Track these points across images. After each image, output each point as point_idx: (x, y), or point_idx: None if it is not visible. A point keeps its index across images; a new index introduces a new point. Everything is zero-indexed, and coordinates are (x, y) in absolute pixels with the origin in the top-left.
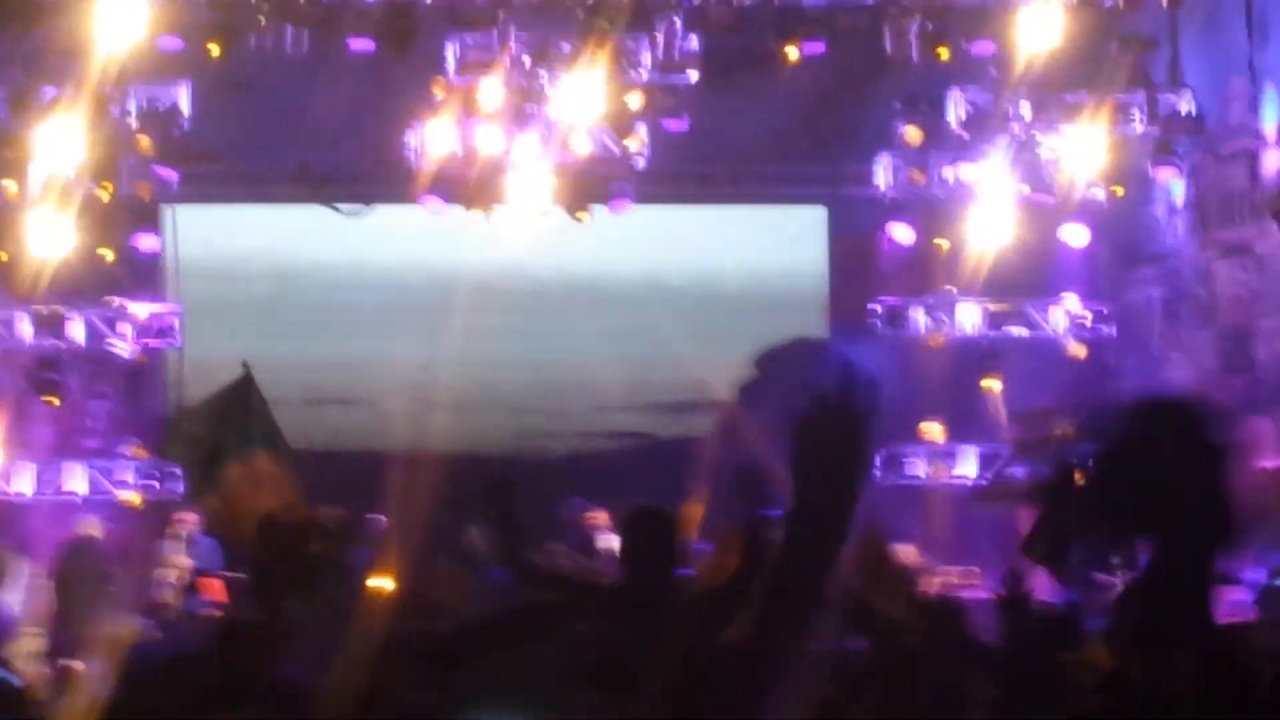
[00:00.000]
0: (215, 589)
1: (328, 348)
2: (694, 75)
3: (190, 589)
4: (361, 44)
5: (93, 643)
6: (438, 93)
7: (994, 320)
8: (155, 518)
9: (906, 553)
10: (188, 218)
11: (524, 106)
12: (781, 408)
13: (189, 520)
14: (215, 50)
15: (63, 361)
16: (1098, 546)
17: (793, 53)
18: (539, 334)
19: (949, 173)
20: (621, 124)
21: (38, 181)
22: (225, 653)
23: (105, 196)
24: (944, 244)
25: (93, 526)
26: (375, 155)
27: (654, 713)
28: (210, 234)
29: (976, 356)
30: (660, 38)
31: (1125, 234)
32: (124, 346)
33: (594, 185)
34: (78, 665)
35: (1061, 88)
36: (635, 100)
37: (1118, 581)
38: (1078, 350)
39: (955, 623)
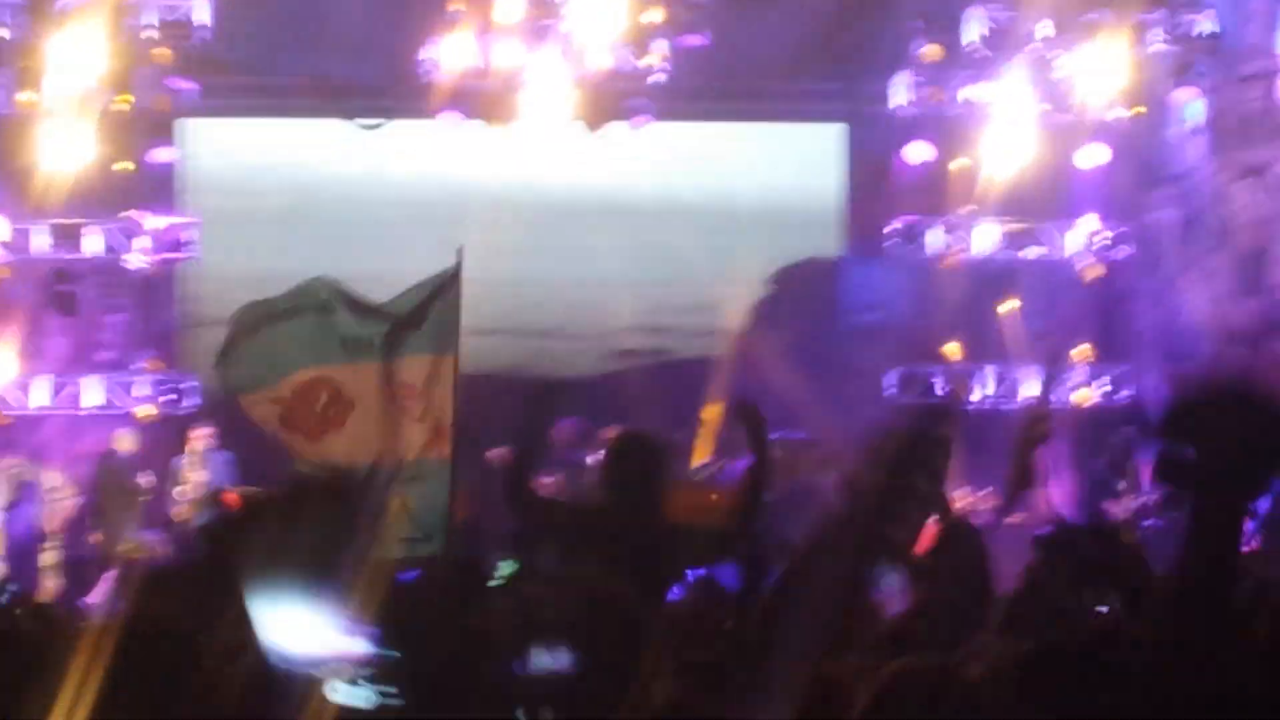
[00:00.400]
0: (233, 504)
1: (343, 263)
2: None
3: (207, 504)
4: None
5: (115, 557)
6: (456, 6)
7: (1011, 241)
8: (169, 431)
9: None
10: (204, 130)
11: (542, 21)
12: (794, 326)
13: (204, 435)
14: None
15: (78, 274)
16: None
17: None
18: (555, 251)
19: (968, 92)
20: (640, 39)
21: (54, 93)
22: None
23: (123, 108)
24: (962, 163)
25: (126, 440)
26: (393, 69)
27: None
28: (227, 147)
29: (993, 277)
30: None
31: (1144, 155)
32: (139, 259)
33: (612, 101)
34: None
35: (1082, 6)
36: (654, 15)
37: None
38: (1095, 271)
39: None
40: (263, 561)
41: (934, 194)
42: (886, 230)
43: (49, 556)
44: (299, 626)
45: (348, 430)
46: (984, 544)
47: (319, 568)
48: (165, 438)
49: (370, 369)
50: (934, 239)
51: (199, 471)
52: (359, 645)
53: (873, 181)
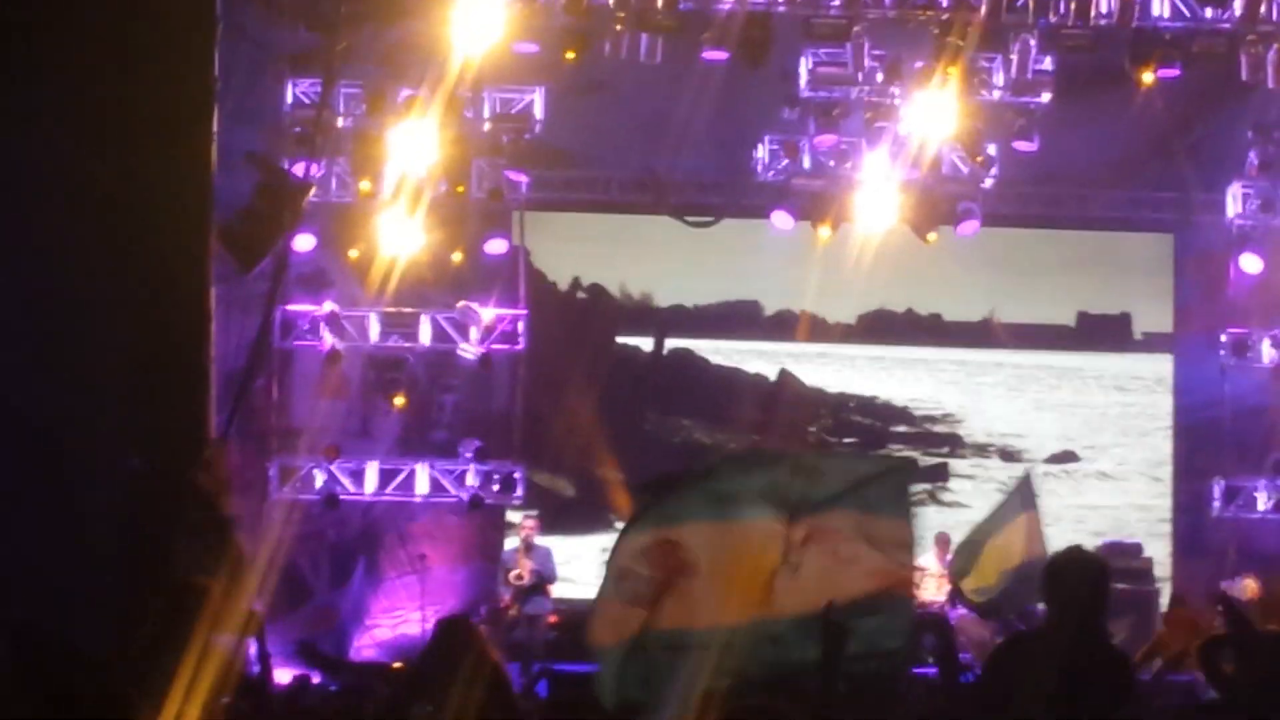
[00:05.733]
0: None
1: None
2: (1046, 96)
3: (531, 592)
4: (715, 54)
5: None
6: (788, 106)
7: None
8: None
9: (1248, 586)
10: (536, 222)
11: (875, 123)
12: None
13: (529, 525)
14: (571, 55)
15: (408, 362)
16: None
17: (1148, 76)
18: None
19: None
20: (971, 143)
21: (391, 182)
22: None
23: (456, 198)
24: None
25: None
26: (723, 166)
27: None
28: (557, 238)
29: None
30: (1014, 57)
31: None
32: (469, 349)
33: (942, 204)
34: None
35: None
36: (985, 120)
37: None
38: None
39: None
40: None
41: (1265, 304)
42: (1217, 339)
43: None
44: None
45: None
46: None
47: None
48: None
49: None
50: (1264, 349)
51: (525, 559)
52: None
53: (1201, 289)
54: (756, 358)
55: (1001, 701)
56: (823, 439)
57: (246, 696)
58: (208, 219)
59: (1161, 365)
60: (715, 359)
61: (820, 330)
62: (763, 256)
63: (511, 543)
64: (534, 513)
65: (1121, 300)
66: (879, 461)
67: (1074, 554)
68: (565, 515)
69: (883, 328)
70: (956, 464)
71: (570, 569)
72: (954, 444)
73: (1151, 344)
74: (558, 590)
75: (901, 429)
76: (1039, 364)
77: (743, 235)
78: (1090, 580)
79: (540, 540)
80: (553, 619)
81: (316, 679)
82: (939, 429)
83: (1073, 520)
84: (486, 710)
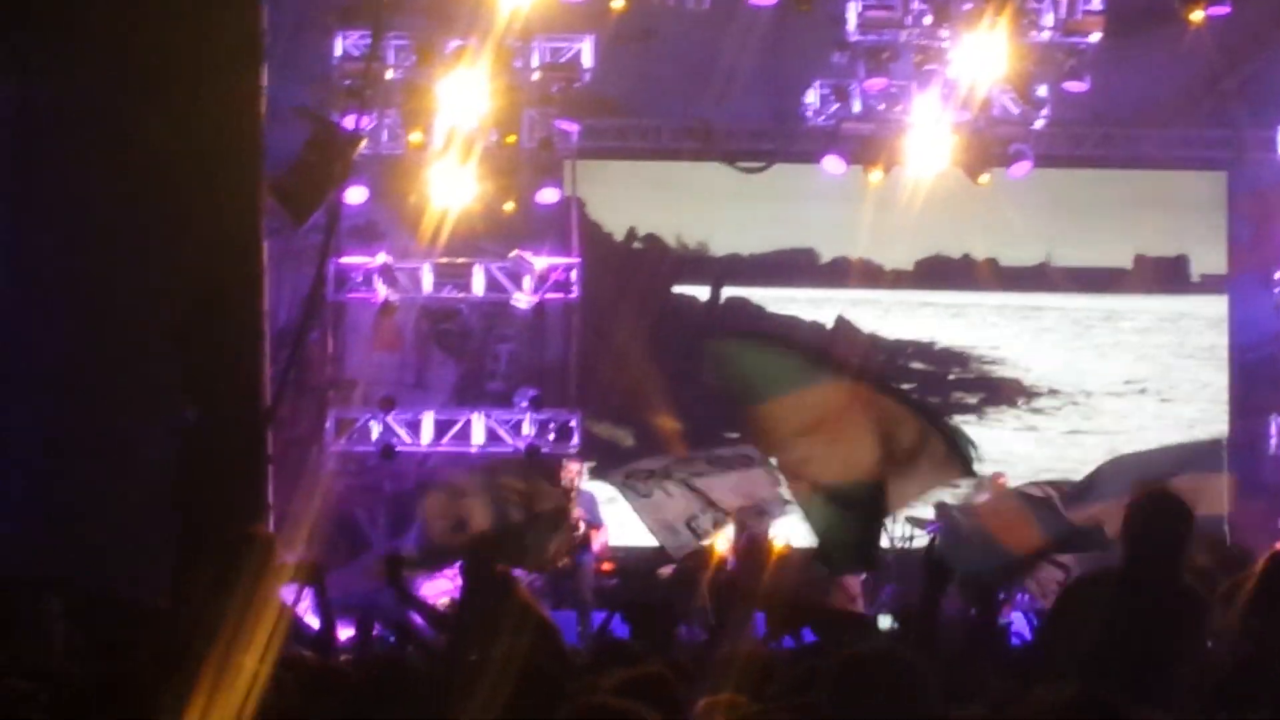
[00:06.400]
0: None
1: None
2: (1096, 36)
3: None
4: None
5: None
6: (839, 49)
7: None
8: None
9: None
10: (588, 170)
11: (927, 66)
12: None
13: (574, 469)
14: (619, 3)
15: (462, 312)
16: None
17: (1197, 14)
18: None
19: None
20: (1021, 84)
21: (441, 133)
22: None
23: (509, 148)
24: None
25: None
26: (773, 112)
27: None
28: (610, 186)
29: None
30: None
31: None
32: (522, 298)
33: (993, 146)
34: None
35: None
36: (1037, 60)
37: None
38: None
39: None
40: None
41: None
42: (1272, 277)
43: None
44: None
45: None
46: None
47: None
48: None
49: None
50: None
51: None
52: None
53: (1255, 228)
54: (813, 305)
55: (1069, 643)
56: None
57: (309, 647)
58: (259, 173)
59: (1219, 306)
60: (772, 307)
61: (876, 276)
62: (816, 203)
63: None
64: (576, 458)
65: (1178, 242)
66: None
67: (1155, 495)
68: (624, 465)
69: (939, 273)
70: (1013, 410)
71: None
72: (1013, 389)
73: (1208, 285)
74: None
75: (959, 374)
76: (1096, 307)
77: (795, 181)
78: (1170, 522)
79: (585, 485)
80: (607, 566)
81: (378, 630)
82: (997, 373)
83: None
84: (534, 658)
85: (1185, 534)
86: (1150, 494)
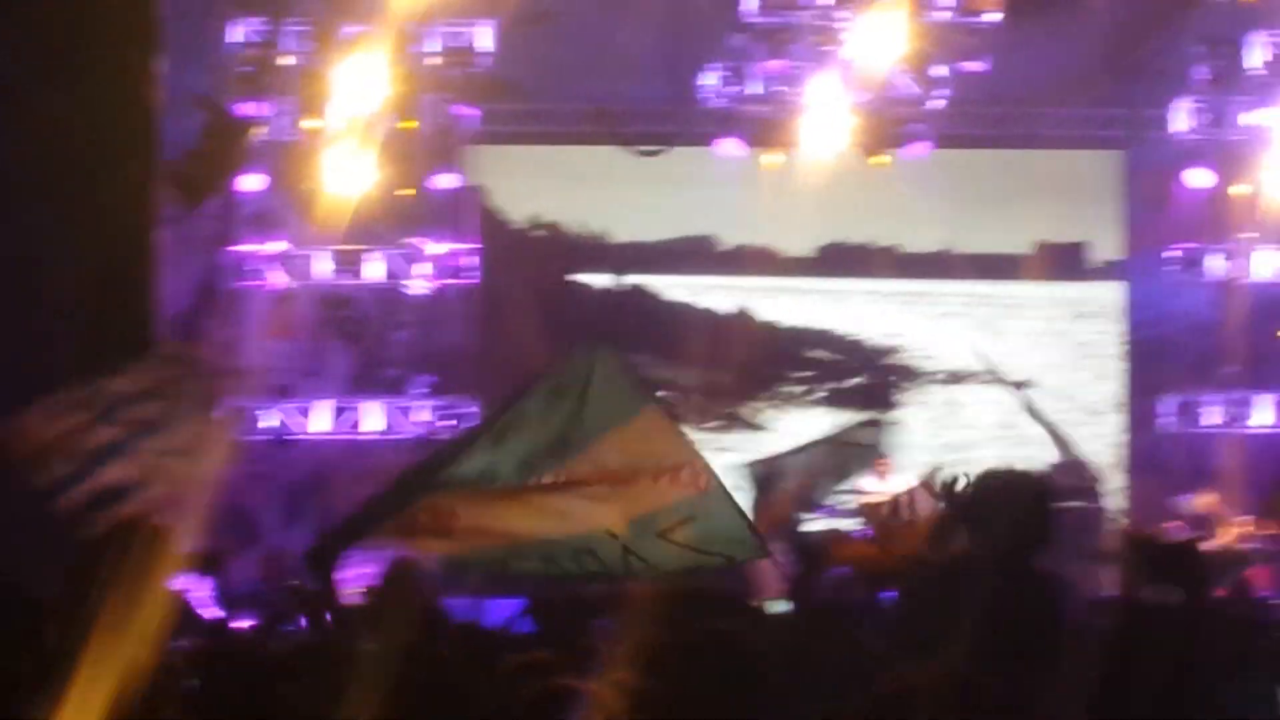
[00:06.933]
0: None
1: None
2: (994, 16)
3: None
4: None
5: None
6: (737, 32)
7: None
8: None
9: (1207, 501)
10: (487, 155)
11: (823, 47)
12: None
13: None
14: None
15: (359, 300)
16: None
17: None
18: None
19: (1249, 117)
20: (920, 65)
21: (338, 120)
22: None
23: (406, 134)
24: (1243, 189)
25: None
26: (672, 94)
27: None
28: (508, 172)
29: (1273, 303)
30: None
31: None
32: (420, 285)
33: (891, 128)
34: None
35: None
36: (934, 41)
37: None
38: None
39: None
40: None
41: (1214, 220)
42: (1166, 256)
43: None
44: None
45: None
46: None
47: None
48: None
49: None
50: (1214, 265)
51: None
52: None
53: (1152, 206)
54: (714, 292)
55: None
56: (778, 374)
57: (206, 637)
58: (154, 159)
59: (1118, 292)
60: (671, 294)
61: (778, 263)
62: (716, 188)
63: None
64: None
65: (1077, 228)
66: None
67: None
68: None
69: (840, 259)
70: (913, 396)
71: None
72: (912, 375)
73: (1107, 272)
74: None
75: (859, 361)
76: (997, 294)
77: (696, 166)
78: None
79: None
80: None
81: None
82: (897, 360)
83: (1014, 441)
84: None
85: (1036, 514)
86: (996, 475)
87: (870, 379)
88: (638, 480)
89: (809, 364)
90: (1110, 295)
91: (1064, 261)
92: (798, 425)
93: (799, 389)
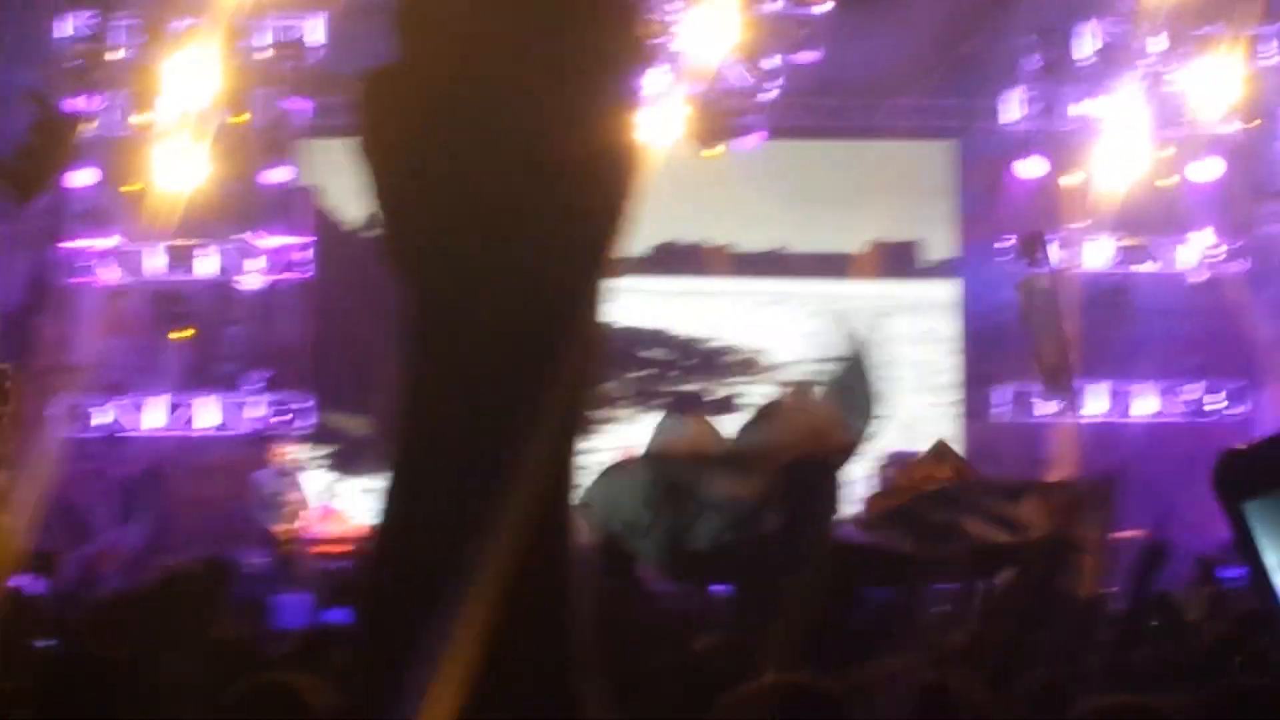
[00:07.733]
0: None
1: None
2: (827, 6)
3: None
4: None
5: None
6: None
7: (1125, 256)
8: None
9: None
10: (320, 149)
11: (655, 38)
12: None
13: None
14: None
15: (193, 295)
16: None
17: None
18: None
19: (1081, 106)
20: (752, 57)
21: (171, 114)
22: None
23: (238, 128)
24: (1075, 178)
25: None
26: None
27: None
28: (342, 165)
29: (1107, 292)
30: None
31: (1257, 168)
32: (254, 280)
33: (724, 118)
34: None
35: (1195, 21)
36: (766, 32)
37: None
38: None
39: None
40: None
41: (1047, 209)
42: (999, 245)
43: None
44: None
45: None
46: None
47: None
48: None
49: None
50: (1051, 254)
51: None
52: None
53: (985, 197)
54: None
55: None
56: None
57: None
58: None
59: (953, 289)
60: None
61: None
62: None
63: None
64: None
65: (911, 226)
66: None
67: (801, 461)
68: (357, 456)
69: (674, 258)
70: (749, 392)
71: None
72: (748, 374)
73: (942, 269)
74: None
75: (694, 361)
76: (833, 293)
77: None
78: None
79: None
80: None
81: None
82: (733, 360)
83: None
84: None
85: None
86: (797, 461)
87: (706, 379)
88: None
89: (643, 364)
90: (944, 292)
91: (900, 258)
92: (631, 426)
93: (633, 390)
